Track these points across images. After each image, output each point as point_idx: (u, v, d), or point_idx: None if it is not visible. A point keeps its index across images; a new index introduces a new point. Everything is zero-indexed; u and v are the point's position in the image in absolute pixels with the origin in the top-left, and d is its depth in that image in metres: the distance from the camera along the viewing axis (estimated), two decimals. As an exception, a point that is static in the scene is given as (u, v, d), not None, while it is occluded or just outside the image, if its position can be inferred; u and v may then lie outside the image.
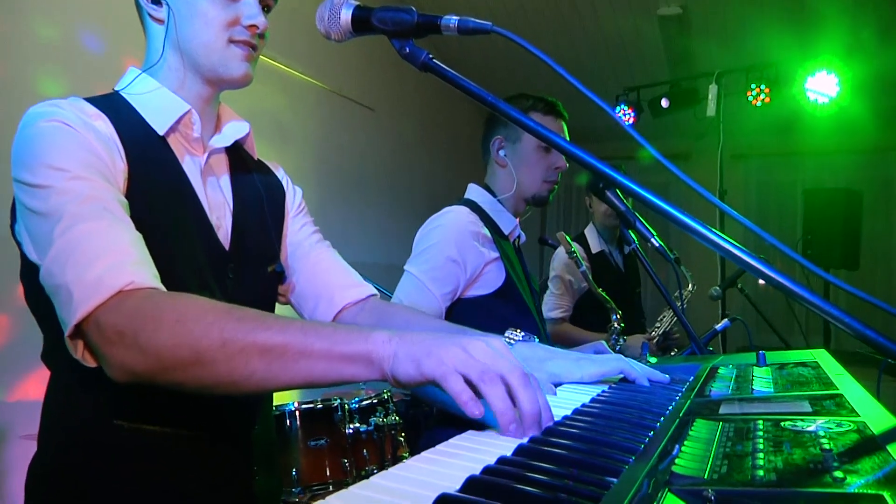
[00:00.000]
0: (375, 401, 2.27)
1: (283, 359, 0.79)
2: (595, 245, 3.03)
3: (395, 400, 2.39)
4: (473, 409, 0.69)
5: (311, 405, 2.08)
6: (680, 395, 0.90)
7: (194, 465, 1.04)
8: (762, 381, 0.98)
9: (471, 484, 0.50)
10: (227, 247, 1.10)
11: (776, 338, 3.26)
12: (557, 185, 1.97)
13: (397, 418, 2.25)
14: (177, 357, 0.80)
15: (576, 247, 2.32)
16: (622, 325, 2.35)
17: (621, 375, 1.05)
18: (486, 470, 0.53)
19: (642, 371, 1.04)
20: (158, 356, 0.80)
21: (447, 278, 1.76)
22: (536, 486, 0.48)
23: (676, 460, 0.54)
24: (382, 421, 2.18)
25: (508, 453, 0.59)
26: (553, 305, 2.92)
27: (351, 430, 2.10)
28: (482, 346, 0.74)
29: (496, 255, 1.84)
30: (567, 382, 1.03)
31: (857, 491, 0.44)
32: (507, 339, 1.12)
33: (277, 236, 1.24)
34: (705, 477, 0.50)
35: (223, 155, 1.18)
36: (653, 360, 1.32)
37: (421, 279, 1.76)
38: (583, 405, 0.82)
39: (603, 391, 0.94)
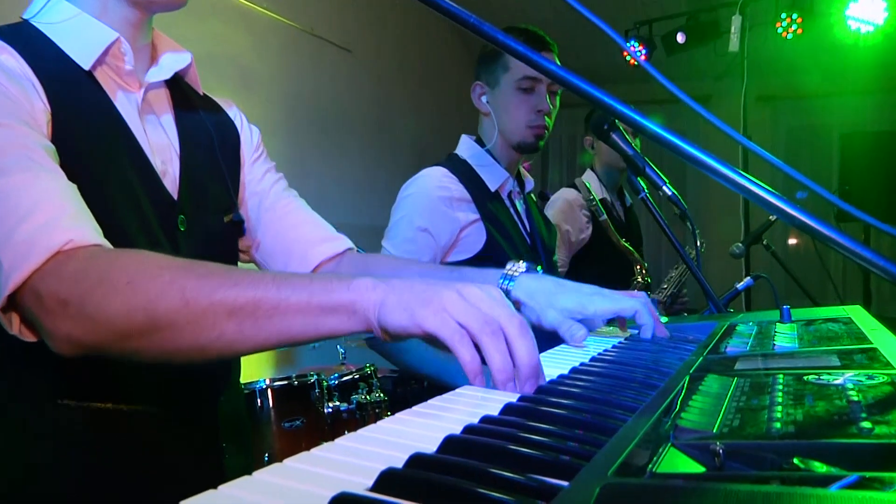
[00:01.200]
0: (357, 376, 2.28)
1: (254, 317, 0.78)
2: (598, 191, 3.01)
3: (379, 376, 2.40)
4: (478, 381, 0.70)
5: (285, 382, 2.09)
6: (691, 353, 0.89)
7: (154, 444, 1.03)
8: (785, 337, 0.98)
9: (448, 444, 0.49)
10: (175, 195, 1.08)
11: (807, 301, 3.27)
12: (548, 130, 1.97)
13: (382, 395, 2.26)
14: (132, 324, 0.78)
15: (595, 194, 2.31)
16: (648, 279, 2.36)
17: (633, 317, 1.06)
18: (467, 429, 0.53)
19: (651, 321, 1.04)
20: (110, 324, 0.78)
21: (421, 250, 1.81)
22: (521, 444, 0.48)
23: (682, 415, 0.53)
24: (365, 398, 2.19)
25: (495, 413, 0.59)
26: None
27: (330, 409, 2.11)
28: (478, 292, 0.75)
29: (475, 216, 1.88)
30: (578, 318, 1.04)
31: (887, 441, 0.44)
32: (508, 272, 1.12)
33: (233, 182, 1.22)
34: (714, 431, 0.50)
35: (163, 90, 1.15)
36: (663, 319, 1.32)
37: (393, 253, 1.81)
38: (581, 364, 0.81)
39: (605, 350, 0.93)
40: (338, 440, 0.51)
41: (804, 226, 0.72)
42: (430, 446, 0.49)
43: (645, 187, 1.88)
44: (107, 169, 0.99)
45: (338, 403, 2.15)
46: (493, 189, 1.95)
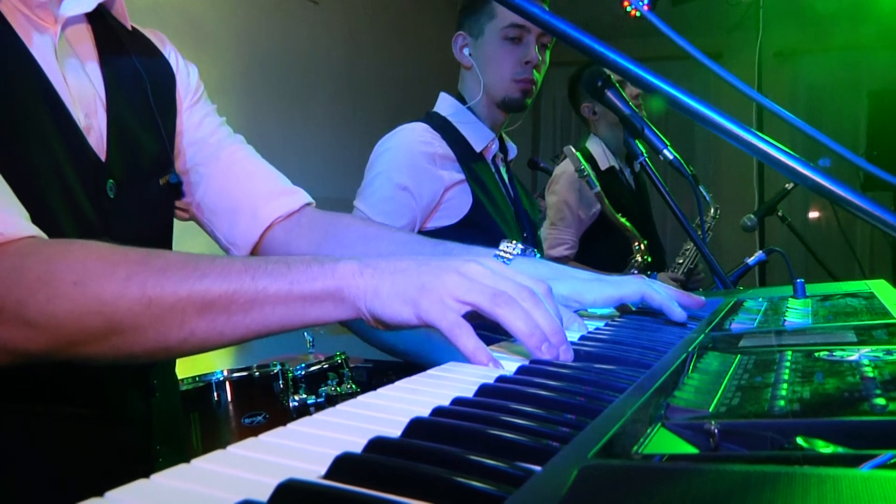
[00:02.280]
0: (326, 366, 2.28)
1: (229, 312, 0.78)
2: (603, 160, 3.01)
3: (351, 365, 2.41)
4: (483, 359, 0.72)
5: (245, 373, 2.09)
6: (692, 331, 0.90)
7: (78, 447, 1.02)
8: (798, 312, 0.99)
9: (414, 427, 0.49)
10: (102, 155, 1.03)
11: (829, 279, 3.30)
12: (536, 85, 1.96)
13: (354, 387, 2.27)
14: (86, 328, 0.77)
15: (587, 164, 2.32)
16: (647, 257, 2.37)
17: (641, 302, 1.06)
18: (436, 411, 0.53)
19: (668, 295, 1.04)
20: (59, 330, 0.77)
21: (399, 211, 1.80)
22: (495, 427, 0.48)
23: (675, 393, 0.54)
24: (335, 391, 2.20)
25: (469, 394, 0.59)
26: (555, 241, 2.92)
27: (296, 403, 2.11)
28: (479, 269, 0.77)
29: (460, 177, 1.88)
30: (575, 308, 1.04)
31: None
32: (500, 255, 1.12)
33: (169, 135, 1.17)
34: (710, 410, 0.50)
35: (84, 26, 1.07)
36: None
37: (369, 215, 1.80)
38: (570, 343, 0.81)
39: (598, 328, 0.94)
40: (290, 425, 0.51)
41: (827, 192, 0.72)
42: (395, 430, 0.49)
43: (644, 151, 1.88)
44: (18, 126, 0.93)
45: (304, 396, 2.15)
46: (477, 150, 1.95)
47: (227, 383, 2.08)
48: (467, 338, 0.73)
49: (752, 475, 0.35)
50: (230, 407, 2.05)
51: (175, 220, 1.22)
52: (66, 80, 1.01)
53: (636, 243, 2.38)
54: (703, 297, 1.07)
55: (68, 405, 1.01)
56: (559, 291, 1.06)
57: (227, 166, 1.23)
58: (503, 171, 2.07)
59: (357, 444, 0.46)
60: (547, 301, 0.78)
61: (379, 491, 0.39)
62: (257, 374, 2.12)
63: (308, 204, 1.27)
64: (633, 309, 1.10)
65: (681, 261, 3.02)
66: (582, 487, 0.35)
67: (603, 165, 2.99)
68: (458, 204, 1.86)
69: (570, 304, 1.05)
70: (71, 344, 0.78)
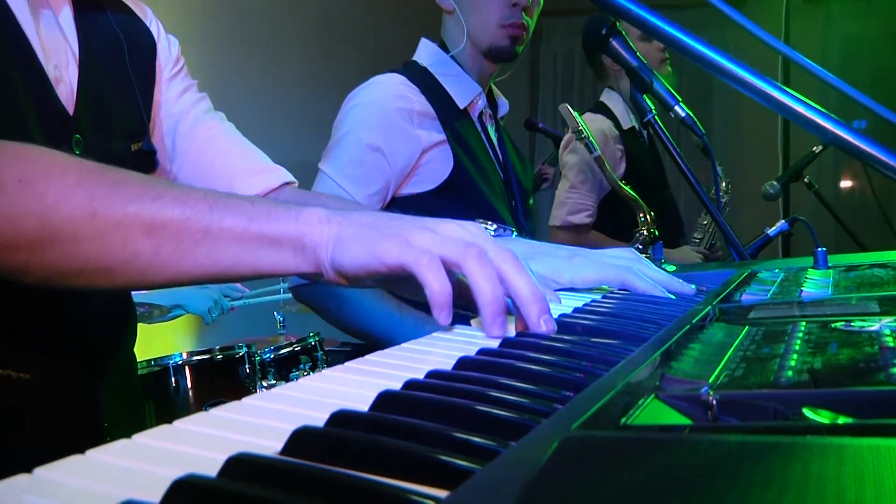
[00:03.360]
0: (298, 349, 2.30)
1: (178, 239, 0.79)
2: (625, 118, 2.99)
3: (326, 348, 2.42)
4: (443, 316, 0.72)
5: (207, 356, 2.10)
6: (698, 304, 0.91)
7: (20, 415, 1.04)
8: (817, 283, 1.00)
9: (383, 401, 0.50)
10: (70, 109, 1.08)
11: (860, 252, 3.30)
12: (528, 32, 1.94)
13: (329, 372, 2.28)
14: (23, 231, 0.78)
15: (585, 124, 2.31)
16: (654, 230, 2.37)
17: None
18: (408, 384, 0.54)
19: (657, 280, 1.05)
20: None
21: (370, 175, 1.78)
22: (471, 399, 0.49)
23: (672, 363, 0.55)
24: (308, 375, 2.21)
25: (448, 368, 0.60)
26: (576, 206, 2.91)
27: (264, 389, 2.12)
28: (454, 227, 0.79)
29: (440, 137, 1.86)
30: (556, 288, 1.06)
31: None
32: None
33: (146, 102, 1.22)
34: (710, 381, 0.51)
35: None
36: (670, 267, 1.34)
37: (335, 179, 1.78)
38: (561, 316, 0.82)
39: (593, 300, 0.95)
40: (245, 399, 0.52)
41: (860, 153, 0.72)
42: (363, 405, 0.50)
43: (653, 108, 1.88)
44: None
45: (273, 382, 2.17)
46: (461, 106, 1.93)
47: (187, 368, 2.09)
48: (434, 275, 0.72)
49: (749, 445, 0.36)
50: (189, 394, 2.06)
51: None
52: (38, 28, 1.05)
53: (641, 214, 2.38)
54: (693, 287, 1.08)
55: (21, 370, 1.03)
56: (535, 269, 1.06)
57: (205, 142, 1.27)
58: (491, 130, 2.05)
59: (319, 420, 0.46)
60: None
61: (340, 466, 0.39)
62: (220, 357, 2.13)
63: (288, 183, 1.30)
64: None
65: (699, 236, 3.03)
66: (561, 459, 0.36)
67: (625, 124, 2.97)
68: (438, 168, 1.84)
69: (547, 283, 1.07)
70: (5, 249, 0.79)
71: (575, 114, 2.29)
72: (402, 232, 0.75)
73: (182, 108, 1.28)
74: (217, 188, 1.22)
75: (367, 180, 1.77)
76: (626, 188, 2.39)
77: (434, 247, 0.74)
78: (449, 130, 1.86)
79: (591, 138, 2.27)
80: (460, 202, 1.82)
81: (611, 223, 2.87)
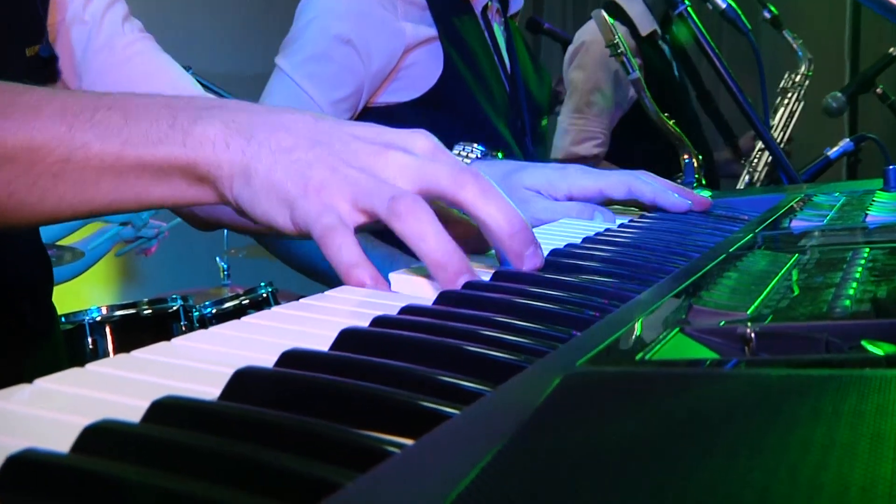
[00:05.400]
0: (246, 301, 2.30)
1: (32, 171, 0.77)
2: (644, 22, 2.93)
3: (280, 301, 2.42)
4: (361, 277, 0.69)
5: (132, 311, 2.10)
6: (738, 230, 0.92)
7: None
8: (886, 207, 1.01)
9: (344, 339, 0.50)
10: None
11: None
12: None
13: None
14: None
15: (621, 35, 2.28)
16: (701, 177, 2.34)
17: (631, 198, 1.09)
18: (377, 321, 0.54)
19: (660, 186, 1.07)
20: None
21: (338, 75, 1.74)
22: (455, 337, 0.49)
23: (702, 293, 0.55)
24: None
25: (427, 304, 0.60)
26: (581, 134, 2.89)
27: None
28: (396, 156, 0.74)
29: (430, 32, 1.81)
30: (548, 200, 1.07)
31: None
32: (457, 156, 1.13)
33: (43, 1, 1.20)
34: (748, 313, 0.51)
35: None
36: (706, 192, 1.34)
37: (293, 77, 1.74)
38: (567, 246, 0.83)
39: (607, 230, 0.95)
40: (175, 340, 0.52)
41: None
42: (322, 345, 0.50)
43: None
44: None
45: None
46: None
47: (107, 325, 2.08)
48: (340, 249, 0.68)
49: (795, 379, 0.36)
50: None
51: None
52: None
53: (686, 156, 2.35)
54: (688, 203, 1.08)
55: None
56: (527, 183, 1.10)
57: (126, 59, 1.24)
58: (498, 30, 2.01)
59: (267, 362, 0.46)
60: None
61: (289, 411, 0.39)
62: (149, 311, 2.13)
63: None
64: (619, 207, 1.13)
65: (751, 164, 2.99)
66: (563, 397, 0.36)
67: (644, 29, 2.92)
68: (424, 72, 1.80)
69: (541, 197, 1.09)
70: None
71: (611, 22, 2.26)
72: (330, 180, 0.72)
73: (94, 15, 1.25)
74: None
75: (333, 81, 1.73)
76: (671, 123, 2.37)
77: (356, 206, 0.71)
78: (442, 25, 1.81)
79: (629, 55, 2.24)
80: (449, 118, 1.79)
81: (628, 154, 2.84)
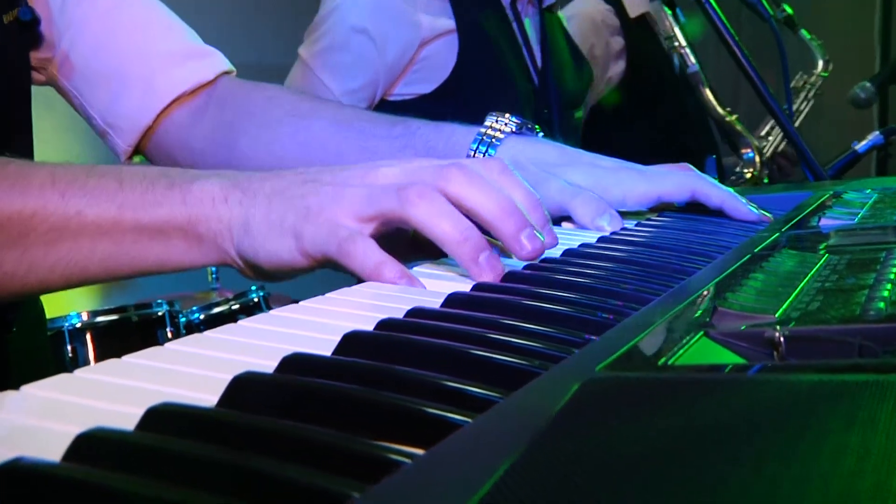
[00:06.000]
0: (236, 306, 2.30)
1: (23, 242, 0.77)
2: (635, 3, 2.93)
3: (273, 306, 2.42)
4: (390, 274, 0.70)
5: (115, 316, 2.10)
6: (762, 229, 0.92)
7: None
8: (921, 205, 1.01)
9: (347, 344, 0.50)
10: None
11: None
12: None
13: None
14: None
15: (683, 29, 2.26)
16: (757, 173, 2.33)
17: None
18: (382, 324, 0.54)
19: (729, 191, 1.05)
20: None
21: (354, 64, 1.79)
22: (466, 342, 0.49)
23: (727, 295, 0.55)
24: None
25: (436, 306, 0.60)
26: None
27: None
28: (390, 170, 0.76)
29: (449, 25, 1.85)
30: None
31: None
32: (487, 132, 1.11)
33: None
34: (776, 316, 0.51)
35: None
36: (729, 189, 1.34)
37: (311, 66, 1.80)
38: (581, 245, 0.83)
39: (624, 228, 0.96)
40: (168, 344, 0.52)
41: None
42: (324, 350, 0.50)
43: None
44: None
45: (204, 350, 2.18)
46: None
47: (88, 332, 2.08)
48: (364, 253, 0.70)
49: (828, 385, 0.36)
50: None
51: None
52: None
53: (745, 150, 2.33)
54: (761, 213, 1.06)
55: None
56: (575, 181, 1.04)
57: (112, 9, 1.22)
58: (529, 24, 2.02)
59: (267, 367, 0.47)
60: (508, 177, 0.76)
61: (291, 419, 0.39)
62: (134, 318, 2.13)
63: (227, 72, 1.27)
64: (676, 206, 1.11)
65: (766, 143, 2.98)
66: (582, 403, 0.36)
67: (634, 11, 2.92)
68: (439, 63, 1.85)
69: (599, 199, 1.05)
70: None
71: (668, 14, 2.24)
72: (325, 204, 0.73)
73: None
74: (129, 76, 1.20)
75: (349, 70, 1.79)
76: (733, 118, 2.36)
77: (366, 208, 0.72)
78: (461, 17, 1.85)
79: (688, 48, 2.24)
80: (464, 110, 1.79)
81: (598, 146, 2.82)
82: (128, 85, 1.21)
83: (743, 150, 2.34)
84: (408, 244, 0.79)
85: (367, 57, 1.79)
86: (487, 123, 1.12)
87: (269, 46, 3.50)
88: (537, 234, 0.72)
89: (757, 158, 2.34)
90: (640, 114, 2.50)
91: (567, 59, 2.11)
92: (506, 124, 1.12)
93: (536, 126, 1.15)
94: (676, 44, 2.20)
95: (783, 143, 2.87)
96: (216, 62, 1.27)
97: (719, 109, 2.36)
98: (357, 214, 0.72)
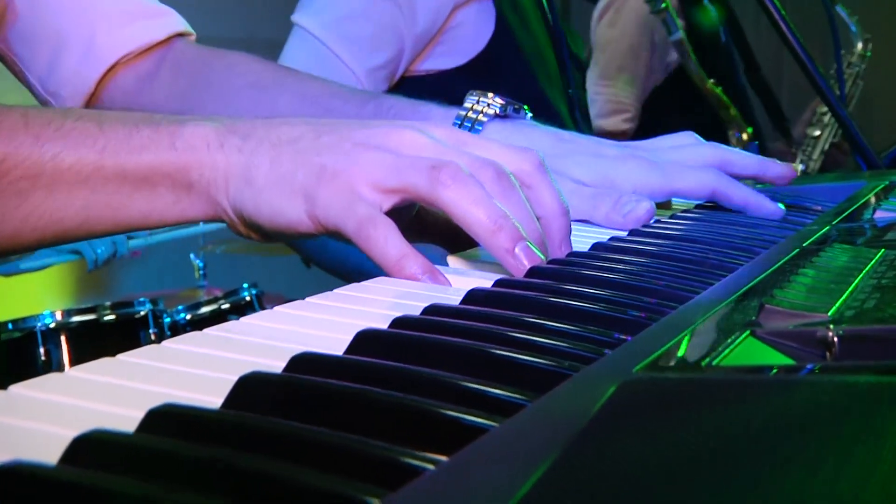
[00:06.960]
0: (226, 306, 2.30)
1: None
2: None
3: (266, 306, 2.42)
4: (412, 269, 0.70)
5: (92, 316, 2.10)
6: (811, 222, 0.92)
7: None
8: None
9: (360, 342, 0.51)
10: None
11: None
12: None
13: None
14: None
15: None
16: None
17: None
18: (397, 322, 0.55)
19: (752, 190, 1.05)
20: None
21: (379, 36, 1.70)
22: (490, 341, 0.50)
23: (775, 292, 0.56)
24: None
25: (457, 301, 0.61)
26: (610, 104, 2.86)
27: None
28: (414, 135, 0.75)
29: None
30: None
31: None
32: (468, 115, 1.08)
33: None
34: (829, 314, 0.52)
35: None
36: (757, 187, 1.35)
37: (320, 38, 1.69)
38: (611, 239, 0.83)
39: (657, 220, 0.96)
40: (167, 342, 0.53)
41: None
42: (336, 349, 0.51)
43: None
44: None
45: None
46: None
47: (62, 333, 2.07)
48: (386, 242, 0.70)
49: (884, 387, 0.37)
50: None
51: None
52: None
53: (734, 130, 2.35)
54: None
55: None
56: (575, 174, 1.04)
57: None
58: None
59: (275, 368, 0.47)
60: (541, 177, 0.77)
61: (300, 421, 0.40)
62: (111, 317, 2.12)
63: (182, 34, 1.25)
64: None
65: (808, 147, 2.98)
66: (620, 407, 0.37)
67: None
68: (472, 33, 1.76)
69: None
70: None
71: None
72: (343, 163, 0.72)
73: None
74: (69, 38, 1.17)
75: (372, 44, 1.69)
76: (718, 90, 2.36)
77: (388, 178, 0.71)
78: None
79: (672, 14, 2.24)
80: (499, 87, 1.75)
81: (659, 132, 2.81)
82: (67, 49, 1.19)
83: (733, 130, 2.35)
84: (411, 223, 0.79)
85: (394, 26, 1.69)
86: (468, 105, 1.09)
87: (262, 18, 3.50)
88: (527, 248, 0.71)
89: (744, 136, 2.34)
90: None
91: (568, 34, 2.08)
92: (489, 105, 1.09)
93: (525, 106, 1.12)
94: (662, 7, 2.19)
95: (837, 133, 2.86)
96: (170, 22, 1.24)
97: (707, 83, 2.36)
98: (378, 183, 0.72)
